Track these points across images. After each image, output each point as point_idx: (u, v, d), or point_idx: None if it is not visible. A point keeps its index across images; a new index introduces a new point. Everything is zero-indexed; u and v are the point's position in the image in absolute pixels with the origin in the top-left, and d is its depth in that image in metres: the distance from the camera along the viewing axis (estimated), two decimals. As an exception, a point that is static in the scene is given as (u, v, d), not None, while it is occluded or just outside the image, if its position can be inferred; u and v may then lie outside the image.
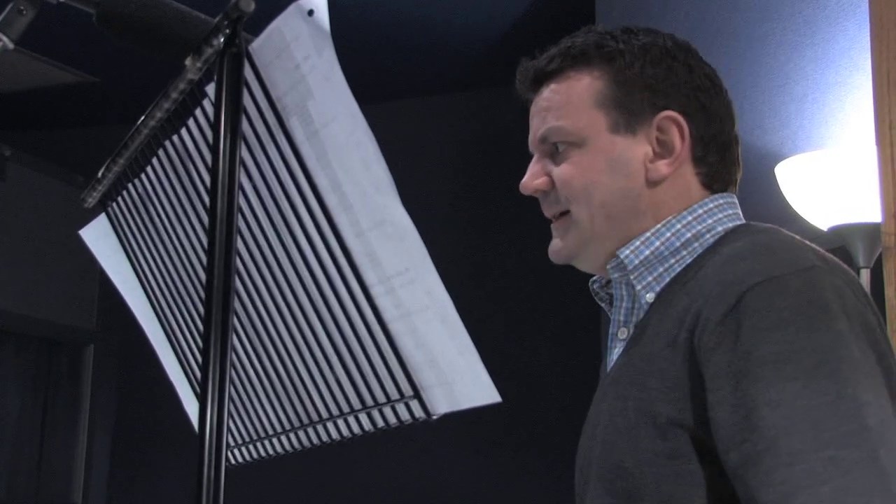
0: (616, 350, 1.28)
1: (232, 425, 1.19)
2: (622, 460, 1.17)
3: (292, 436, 1.11)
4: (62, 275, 4.44)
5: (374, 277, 0.88)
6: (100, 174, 1.16)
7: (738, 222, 1.28)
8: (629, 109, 1.26)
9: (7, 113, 4.89)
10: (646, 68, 1.26)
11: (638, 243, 1.25)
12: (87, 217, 1.29)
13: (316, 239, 0.91)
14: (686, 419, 1.12)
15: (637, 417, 1.16)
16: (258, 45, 0.89)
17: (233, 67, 0.86)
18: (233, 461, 1.22)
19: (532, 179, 1.31)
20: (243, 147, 0.90)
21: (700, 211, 1.26)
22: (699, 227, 1.25)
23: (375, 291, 0.89)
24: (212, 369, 0.81)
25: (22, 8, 0.96)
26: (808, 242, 1.20)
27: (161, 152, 1.08)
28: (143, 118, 1.03)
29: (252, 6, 0.85)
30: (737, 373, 1.07)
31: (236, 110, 0.86)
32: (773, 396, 1.05)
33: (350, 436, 1.03)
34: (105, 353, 4.76)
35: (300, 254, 0.94)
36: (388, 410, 0.94)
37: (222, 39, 0.86)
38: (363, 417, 0.98)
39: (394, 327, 0.89)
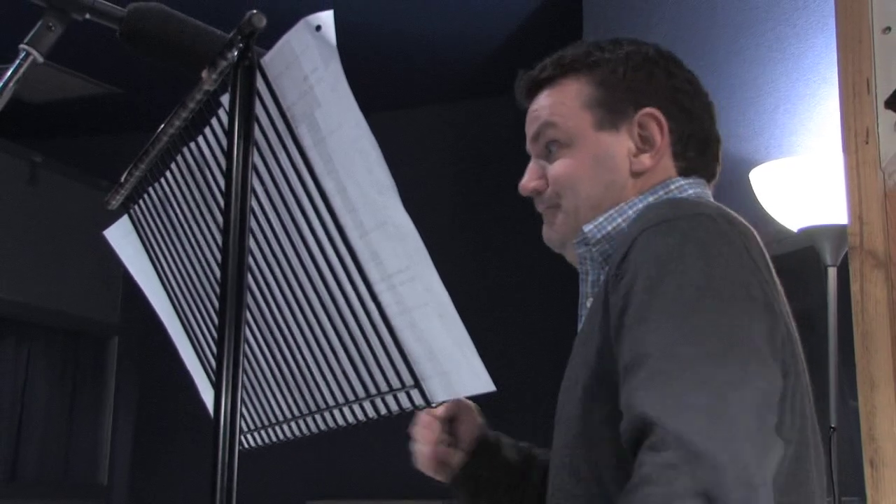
0: (581, 319, 1.28)
1: (245, 412, 1.18)
2: (568, 413, 1.20)
3: (301, 422, 1.11)
4: (88, 272, 4.43)
5: (376, 275, 0.88)
6: (122, 178, 1.16)
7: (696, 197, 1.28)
8: (612, 108, 1.28)
9: (37, 122, 4.89)
10: (628, 72, 1.29)
11: (601, 219, 1.26)
12: (111, 218, 1.28)
13: (323, 239, 0.91)
14: (613, 368, 1.10)
15: (579, 373, 1.18)
16: (269, 59, 0.89)
17: (246, 79, 0.86)
18: (245, 445, 1.22)
19: (529, 181, 1.33)
20: (255, 153, 0.90)
21: (661, 192, 1.27)
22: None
23: (378, 288, 0.89)
24: (226, 360, 0.81)
25: (51, 24, 0.96)
26: (722, 207, 1.18)
27: (179, 158, 1.08)
28: (162, 126, 1.02)
29: (264, 22, 0.84)
30: (624, 307, 1.08)
31: (249, 119, 0.85)
32: (650, 323, 1.04)
33: (354, 422, 1.03)
34: (128, 345, 4.76)
35: (308, 252, 0.94)
36: (390, 399, 0.94)
37: (236, 53, 0.86)
38: (367, 405, 0.98)
39: (395, 322, 0.89)
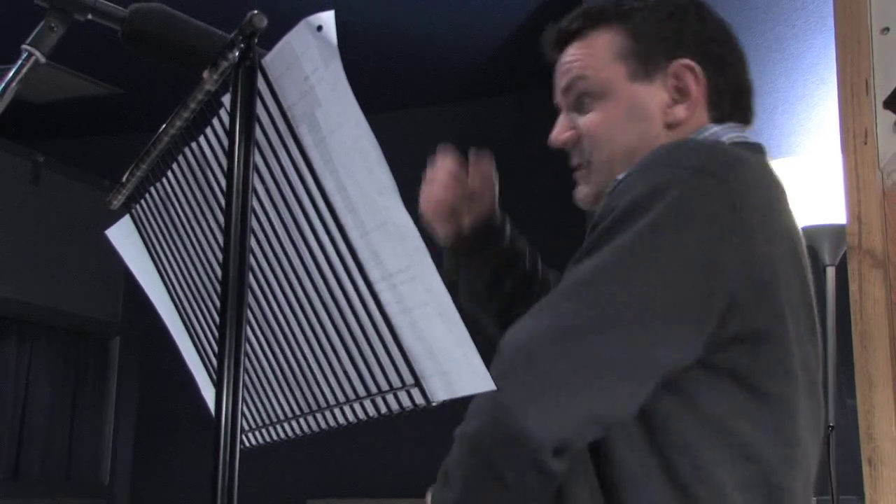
0: None
1: (246, 411, 1.18)
2: None
3: (302, 421, 1.11)
4: (90, 272, 4.43)
5: (377, 274, 0.88)
6: (124, 178, 1.16)
7: (731, 142, 1.24)
8: (646, 59, 1.26)
9: (39, 122, 4.89)
10: (661, 21, 1.26)
11: (632, 168, 1.23)
12: (113, 218, 1.28)
13: (324, 238, 0.91)
14: None
15: None
16: (270, 59, 0.89)
17: (247, 79, 0.86)
18: (246, 444, 1.22)
19: (560, 133, 1.31)
20: (256, 153, 0.90)
21: (699, 136, 1.24)
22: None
23: (379, 287, 0.89)
24: (227, 359, 0.81)
25: (53, 25, 0.96)
26: (746, 157, 1.16)
27: (180, 158, 1.08)
28: (163, 126, 1.03)
29: (265, 22, 0.85)
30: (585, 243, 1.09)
31: (250, 119, 0.85)
32: (583, 264, 1.06)
33: (355, 421, 1.03)
34: (129, 344, 4.76)
35: (309, 252, 0.94)
36: (390, 397, 0.94)
37: (237, 53, 0.86)
38: (367, 404, 0.98)
39: (396, 321, 0.89)
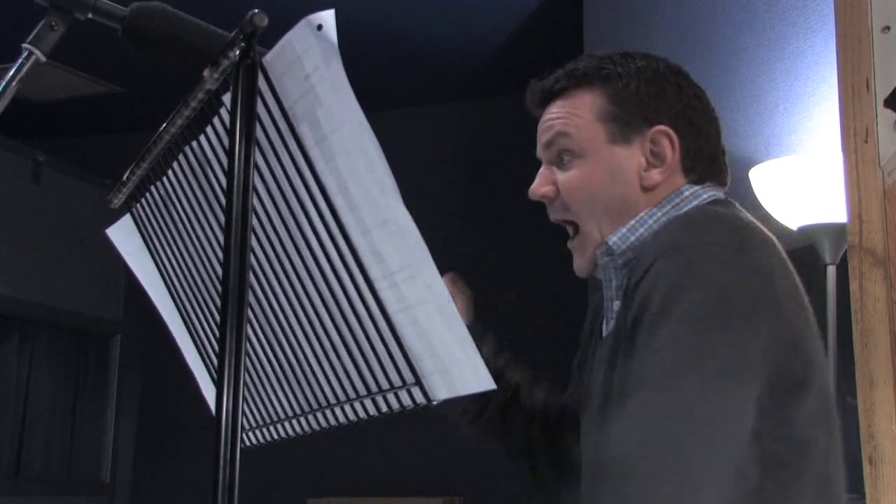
0: (610, 322, 1.31)
1: (246, 410, 1.18)
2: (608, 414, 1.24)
3: (302, 420, 1.11)
4: (91, 270, 4.43)
5: (378, 273, 0.88)
6: (125, 177, 1.16)
7: (708, 201, 1.31)
8: (625, 123, 1.31)
9: (40, 121, 4.89)
10: (640, 87, 1.31)
11: (624, 230, 1.29)
12: (114, 217, 1.28)
13: (324, 237, 0.91)
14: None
15: (614, 385, 1.23)
16: (271, 58, 0.89)
17: (247, 78, 0.86)
18: (247, 443, 1.22)
19: (539, 187, 1.36)
20: (257, 152, 0.90)
21: (677, 200, 1.30)
22: (676, 213, 1.29)
23: (379, 286, 0.89)
24: (228, 357, 0.81)
25: (53, 24, 0.96)
26: (741, 218, 1.24)
27: (181, 157, 1.08)
28: (164, 125, 1.02)
29: (265, 21, 0.84)
30: (633, 331, 1.15)
31: (251, 118, 0.85)
32: (648, 351, 1.12)
33: (356, 420, 1.03)
34: (130, 343, 4.75)
35: (310, 251, 0.94)
36: (391, 396, 0.94)
37: (238, 52, 0.86)
38: (368, 403, 0.98)
39: (396, 319, 0.89)
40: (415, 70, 4.51)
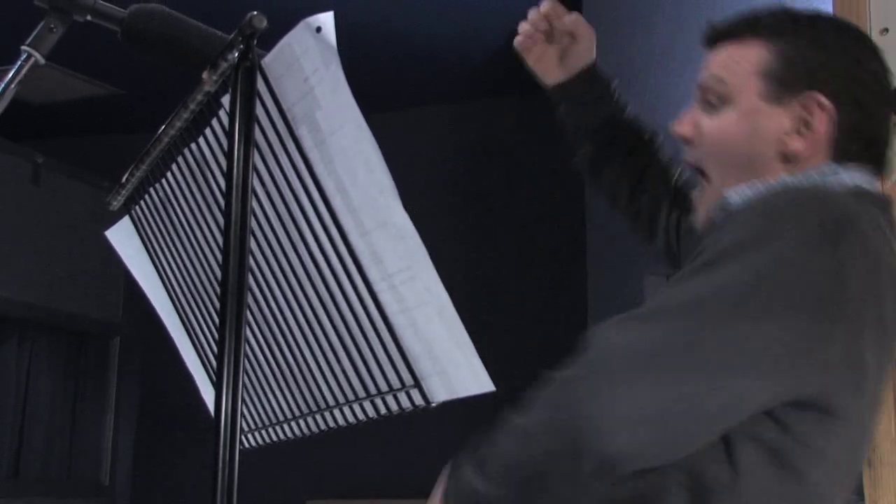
0: None
1: (245, 412, 1.18)
2: None
3: (301, 422, 1.11)
4: (90, 272, 4.43)
5: (377, 275, 0.88)
6: (124, 179, 1.16)
7: (851, 185, 1.21)
8: (784, 83, 1.24)
9: (39, 123, 4.89)
10: (812, 51, 1.24)
11: (745, 187, 1.22)
12: (113, 219, 1.28)
13: (323, 239, 0.91)
14: None
15: None
16: (270, 60, 0.89)
17: (246, 80, 0.86)
18: (246, 445, 1.22)
19: (679, 125, 1.31)
20: (256, 154, 0.90)
21: (813, 174, 1.21)
22: (806, 182, 1.21)
23: (378, 288, 0.89)
24: (227, 359, 0.81)
25: (52, 26, 0.96)
26: (858, 214, 1.13)
27: (180, 159, 1.08)
28: (163, 127, 1.02)
29: (264, 23, 0.84)
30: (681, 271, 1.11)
31: (250, 120, 0.85)
32: (674, 290, 1.08)
33: (355, 422, 1.03)
34: (130, 345, 4.75)
35: (309, 253, 0.94)
36: (390, 398, 0.94)
37: (237, 54, 0.86)
38: (367, 405, 0.98)
39: (395, 321, 0.89)
40: (414, 71, 4.51)
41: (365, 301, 0.90)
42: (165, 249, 1.20)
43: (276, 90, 0.89)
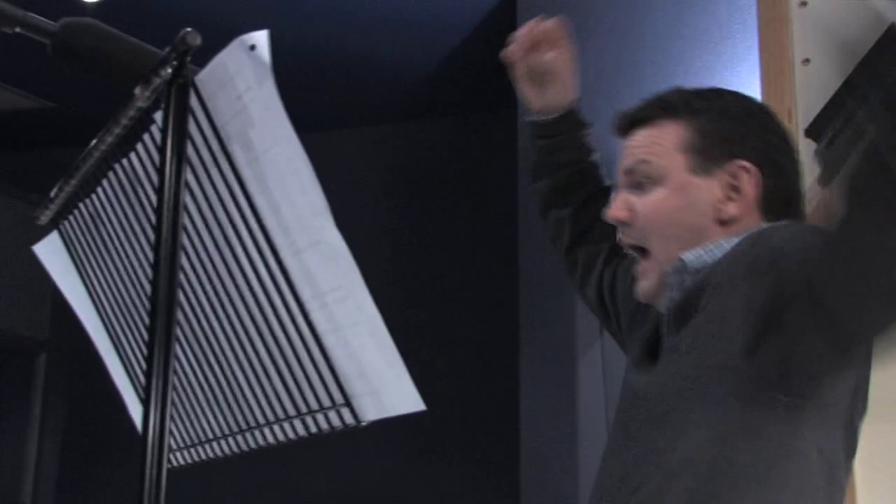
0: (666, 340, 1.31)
1: (174, 429, 1.17)
2: (699, 415, 1.24)
3: (231, 440, 1.10)
4: (16, 287, 4.34)
5: (309, 293, 0.88)
6: (53, 193, 1.14)
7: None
8: (707, 155, 1.32)
9: (-33, 135, 4.78)
10: (726, 122, 1.33)
11: (701, 251, 1.29)
12: (41, 234, 1.26)
13: (255, 257, 0.91)
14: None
15: (708, 367, 1.22)
16: (203, 77, 0.88)
17: (179, 96, 0.85)
18: (175, 463, 1.20)
19: (616, 210, 1.36)
20: (188, 170, 0.89)
21: (764, 225, 1.30)
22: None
23: (310, 306, 0.88)
24: (155, 376, 0.80)
25: (-21, 37, 0.94)
26: None
27: (111, 174, 1.06)
28: (94, 142, 1.01)
29: (198, 40, 0.84)
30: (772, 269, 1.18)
31: (182, 136, 0.85)
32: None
33: (285, 440, 1.02)
34: (56, 362, 4.66)
35: (241, 270, 0.93)
36: (320, 417, 0.94)
37: (170, 70, 0.85)
38: (298, 423, 0.97)
39: (327, 340, 0.88)
40: (348, 92, 4.51)
41: (296, 319, 0.90)
42: (95, 265, 1.19)
43: (210, 107, 0.89)
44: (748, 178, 1.31)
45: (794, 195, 1.36)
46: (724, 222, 1.31)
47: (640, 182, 1.35)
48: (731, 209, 1.31)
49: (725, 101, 1.36)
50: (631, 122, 1.39)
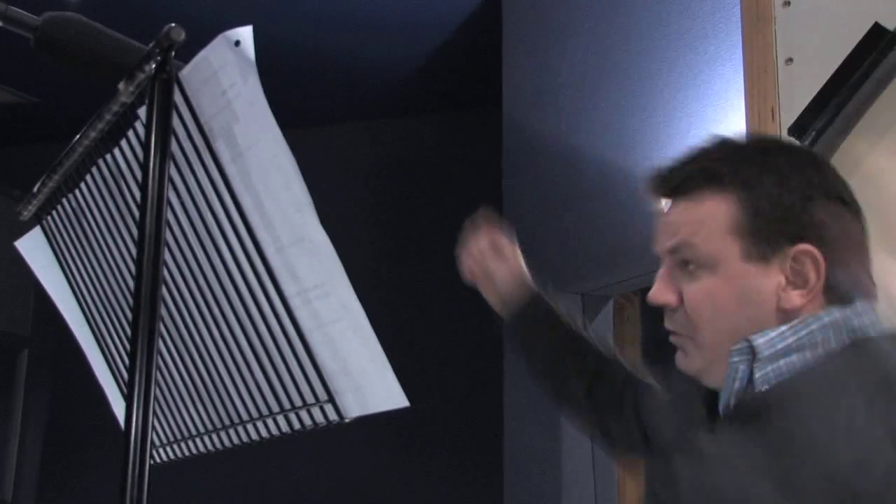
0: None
1: (157, 426, 1.16)
2: None
3: (214, 436, 1.10)
4: (-2, 283, 4.31)
5: (292, 290, 0.88)
6: (35, 189, 1.14)
7: (868, 333, 1.15)
8: (764, 239, 1.15)
9: (-52, 130, 4.75)
10: (783, 197, 1.15)
11: (773, 335, 1.14)
12: (24, 229, 1.26)
13: (239, 253, 0.91)
14: None
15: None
16: (188, 72, 0.88)
17: (163, 92, 0.85)
18: (157, 460, 1.20)
19: (661, 294, 1.21)
20: (172, 166, 0.89)
21: (838, 315, 1.14)
22: (830, 334, 1.14)
23: (294, 303, 0.88)
24: (138, 372, 0.79)
25: (-38, 31, 0.94)
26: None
27: (94, 170, 1.06)
28: (77, 137, 1.01)
29: (182, 36, 0.84)
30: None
31: (166, 132, 0.85)
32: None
33: (269, 436, 1.02)
34: (39, 358, 4.64)
35: (224, 266, 0.93)
36: (304, 413, 0.94)
37: (154, 66, 0.85)
38: (281, 420, 0.97)
39: (310, 337, 0.88)
40: (333, 88, 4.51)
41: (280, 316, 0.90)
42: (78, 261, 1.18)
43: (194, 103, 0.89)
44: (813, 265, 1.14)
45: (863, 276, 1.19)
46: (785, 311, 1.14)
47: (686, 265, 1.18)
48: (796, 299, 1.14)
49: (777, 162, 1.17)
50: (671, 191, 1.21)
